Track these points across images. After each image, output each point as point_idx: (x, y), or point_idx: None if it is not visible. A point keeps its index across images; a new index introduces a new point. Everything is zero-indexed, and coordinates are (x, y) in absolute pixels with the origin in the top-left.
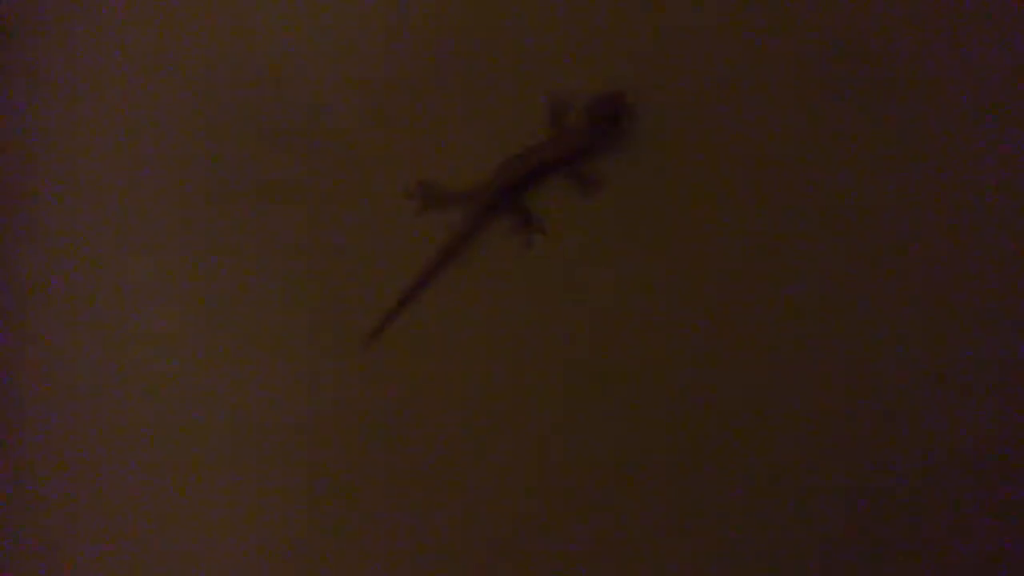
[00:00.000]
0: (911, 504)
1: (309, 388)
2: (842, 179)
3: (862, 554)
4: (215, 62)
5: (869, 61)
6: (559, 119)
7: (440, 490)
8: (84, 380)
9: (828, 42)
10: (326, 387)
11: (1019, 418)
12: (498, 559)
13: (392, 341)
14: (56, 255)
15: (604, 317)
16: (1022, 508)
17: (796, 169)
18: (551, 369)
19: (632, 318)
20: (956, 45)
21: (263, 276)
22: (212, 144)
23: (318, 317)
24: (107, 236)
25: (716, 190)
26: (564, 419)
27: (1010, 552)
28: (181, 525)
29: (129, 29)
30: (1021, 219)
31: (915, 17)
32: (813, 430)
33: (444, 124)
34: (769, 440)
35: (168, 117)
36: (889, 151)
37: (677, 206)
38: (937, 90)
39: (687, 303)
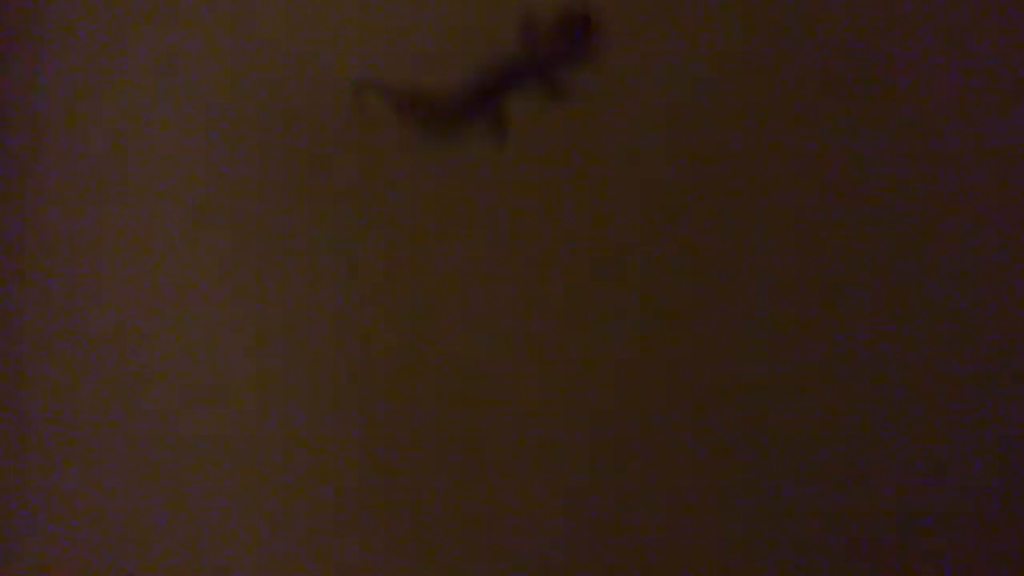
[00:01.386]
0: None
1: (308, 379)
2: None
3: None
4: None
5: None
6: (531, 30)
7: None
8: (88, 379)
9: None
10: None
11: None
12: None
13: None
14: (61, 252)
15: (574, 223)
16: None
17: (769, 91)
18: (522, 274)
19: (602, 224)
20: (955, 45)
21: (263, 269)
22: (217, 136)
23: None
24: (111, 234)
25: (682, 102)
26: (545, 332)
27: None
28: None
29: (137, 24)
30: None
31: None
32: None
33: (419, 33)
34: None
35: (171, 110)
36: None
37: (646, 117)
38: (935, 88)
39: (657, 211)
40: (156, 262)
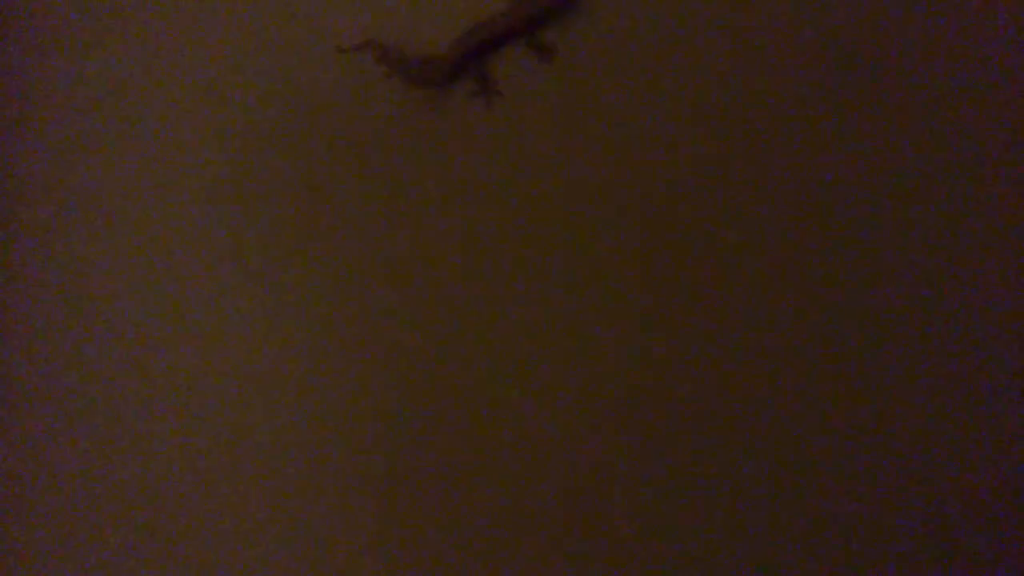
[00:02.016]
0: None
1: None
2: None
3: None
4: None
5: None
6: None
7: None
8: (94, 382)
9: None
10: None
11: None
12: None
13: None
14: (70, 255)
15: (563, 182)
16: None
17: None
18: (512, 233)
19: (587, 180)
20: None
21: (271, 271)
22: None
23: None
24: (118, 236)
25: (668, 61)
26: (537, 290)
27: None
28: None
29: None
30: (1021, 219)
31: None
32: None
33: None
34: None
35: (183, 113)
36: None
37: (632, 73)
38: (934, 87)
39: (646, 168)
40: (167, 256)
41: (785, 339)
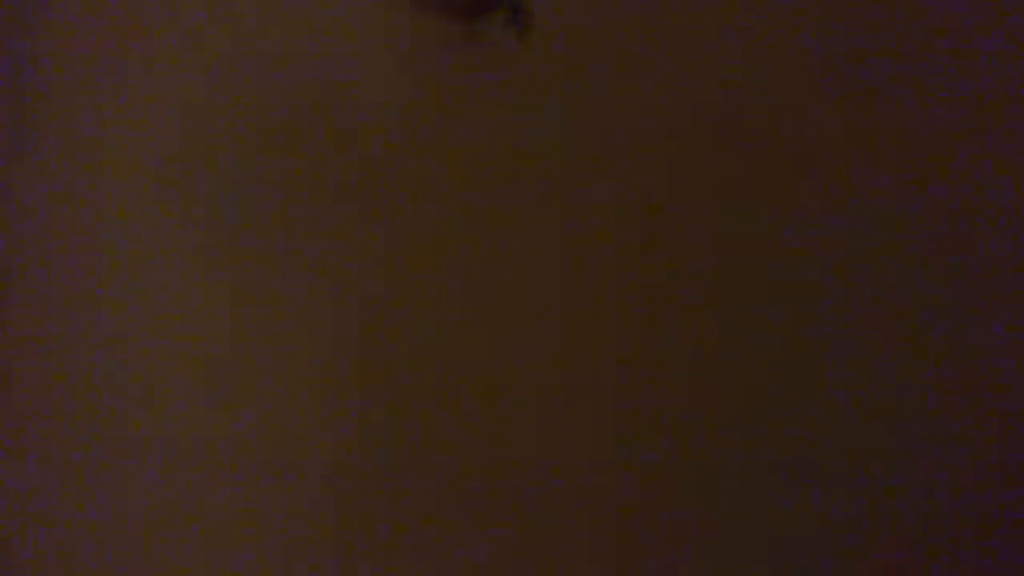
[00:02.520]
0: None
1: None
2: None
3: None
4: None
5: None
6: None
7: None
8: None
9: None
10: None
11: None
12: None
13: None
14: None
15: (599, 116)
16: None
17: None
18: (545, 164)
19: (626, 115)
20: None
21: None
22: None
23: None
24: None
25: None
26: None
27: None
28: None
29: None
30: (1021, 219)
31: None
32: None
33: None
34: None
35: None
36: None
37: (670, 5)
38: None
39: (683, 102)
40: (152, 260)
41: (797, 333)
